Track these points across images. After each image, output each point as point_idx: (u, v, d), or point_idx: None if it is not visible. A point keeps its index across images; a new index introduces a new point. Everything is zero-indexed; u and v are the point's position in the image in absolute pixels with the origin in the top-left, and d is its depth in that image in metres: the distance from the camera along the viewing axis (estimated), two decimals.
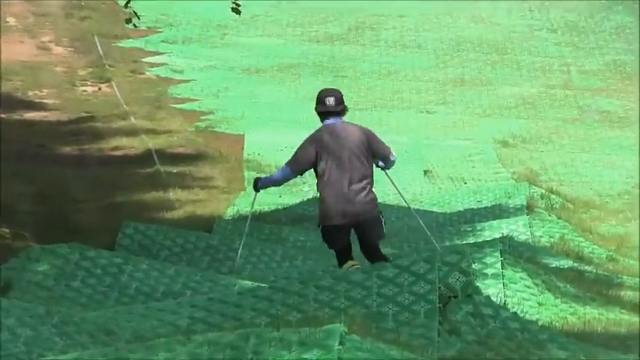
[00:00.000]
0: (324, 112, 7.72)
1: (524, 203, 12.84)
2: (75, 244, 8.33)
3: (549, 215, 12.42)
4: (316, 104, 7.79)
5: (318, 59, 25.66)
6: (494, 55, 26.58)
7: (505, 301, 7.36)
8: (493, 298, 6.68)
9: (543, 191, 14.25)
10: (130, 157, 16.46)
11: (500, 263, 7.86)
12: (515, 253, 9.18)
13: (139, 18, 11.63)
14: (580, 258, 10.79)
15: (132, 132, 18.13)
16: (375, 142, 7.69)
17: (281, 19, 28.32)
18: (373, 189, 7.68)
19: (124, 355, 4.76)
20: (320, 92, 7.83)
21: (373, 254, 7.69)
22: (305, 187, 14.18)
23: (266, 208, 13.06)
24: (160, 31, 26.66)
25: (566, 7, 29.86)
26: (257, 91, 23.12)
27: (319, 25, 28.06)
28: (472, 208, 13.35)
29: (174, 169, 15.68)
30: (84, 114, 19.66)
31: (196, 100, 22.02)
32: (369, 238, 7.70)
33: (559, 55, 26.86)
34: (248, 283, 8.04)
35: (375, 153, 7.70)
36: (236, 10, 11.87)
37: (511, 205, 12.96)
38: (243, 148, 18.29)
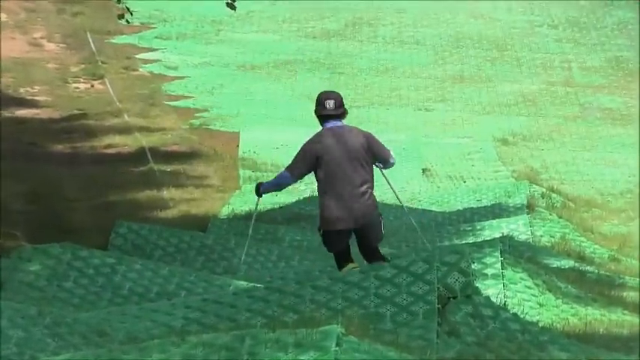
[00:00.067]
0: (323, 115, 7.71)
1: (525, 202, 12.84)
2: (67, 244, 8.29)
3: (550, 214, 12.39)
4: (315, 107, 7.79)
5: (314, 56, 25.60)
6: (494, 51, 26.52)
7: (505, 301, 7.34)
8: (493, 299, 6.65)
9: (544, 190, 14.23)
10: (124, 156, 16.40)
11: (500, 263, 7.84)
12: (516, 252, 9.16)
13: (131, 14, 11.57)
14: (581, 258, 10.77)
15: (125, 130, 18.07)
16: (375, 146, 7.71)
17: (277, 14, 28.26)
18: (373, 192, 7.70)
19: (117, 357, 4.75)
20: (319, 95, 7.82)
21: (372, 255, 7.71)
22: (301, 186, 14.07)
23: (262, 207, 12.95)
24: (154, 27, 26.59)
25: (567, 3, 29.81)
26: (252, 88, 23.06)
27: (316, 21, 28.00)
28: (471, 207, 13.34)
29: (168, 168, 15.62)
30: (76, 111, 19.59)
31: (191, 97, 21.96)
32: (368, 240, 7.74)
33: (560, 52, 26.80)
34: (243, 284, 8.00)
35: (375, 156, 7.73)
36: (231, 6, 11.81)
37: (511, 204, 12.96)
38: (238, 146, 18.24)
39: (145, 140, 17.30)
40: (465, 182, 17.19)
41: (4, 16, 25.37)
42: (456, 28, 27.96)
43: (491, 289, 7.44)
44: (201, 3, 27.08)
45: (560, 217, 12.35)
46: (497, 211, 12.74)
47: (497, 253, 7.89)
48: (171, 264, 9.18)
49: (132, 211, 12.34)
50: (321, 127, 7.74)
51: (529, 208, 12.46)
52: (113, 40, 25.14)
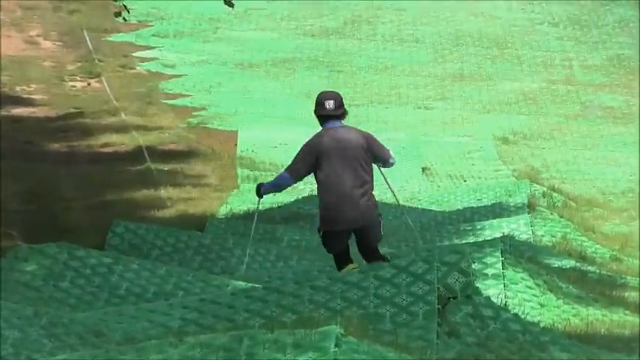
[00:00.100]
0: (323, 116, 7.69)
1: (526, 201, 12.83)
2: (64, 244, 8.27)
3: (551, 214, 12.38)
4: (315, 107, 7.76)
5: (313, 54, 25.57)
6: (495, 49, 26.49)
7: (506, 302, 7.34)
8: (493, 299, 6.65)
9: (545, 189, 14.22)
10: (120, 154, 16.37)
11: (500, 263, 7.84)
12: (516, 252, 9.15)
13: (128, 11, 11.54)
14: (583, 258, 10.75)
15: (122, 128, 18.04)
16: (374, 146, 7.69)
17: (275, 12, 28.23)
18: (373, 192, 7.70)
19: (114, 358, 4.75)
20: (319, 95, 7.80)
21: (372, 255, 7.70)
22: (300, 185, 14.00)
23: (260, 207, 12.88)
24: (151, 25, 26.55)
25: (567, 0, 29.75)
26: (250, 86, 23.03)
27: (314, 18, 27.96)
28: (472, 207, 13.34)
29: (166, 167, 15.59)
30: (73, 110, 19.56)
31: (188, 95, 21.92)
32: (368, 241, 7.74)
33: (561, 50, 26.75)
34: (241, 284, 7.98)
35: (375, 157, 7.72)
36: (229, 3, 11.78)
37: (512, 204, 12.95)
38: (236, 144, 18.22)
39: (142, 139, 17.27)
40: (465, 181, 17.16)
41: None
42: (456, 26, 27.92)
43: (491, 290, 7.43)
44: (198, 1, 27.05)
45: (561, 217, 12.34)
46: (498, 210, 12.74)
47: (498, 253, 7.88)
48: (168, 264, 9.16)
49: (129, 210, 12.32)
50: (320, 128, 7.71)
51: (530, 207, 12.45)
52: (110, 38, 25.09)
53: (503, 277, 7.71)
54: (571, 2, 29.70)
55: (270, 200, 13.45)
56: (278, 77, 23.84)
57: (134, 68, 23.45)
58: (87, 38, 24.64)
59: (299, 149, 7.68)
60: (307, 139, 7.69)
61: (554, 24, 28.36)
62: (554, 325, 7.22)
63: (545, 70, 25.36)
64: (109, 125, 18.40)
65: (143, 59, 24.07)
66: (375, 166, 7.87)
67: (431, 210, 13.44)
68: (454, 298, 6.23)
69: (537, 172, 17.86)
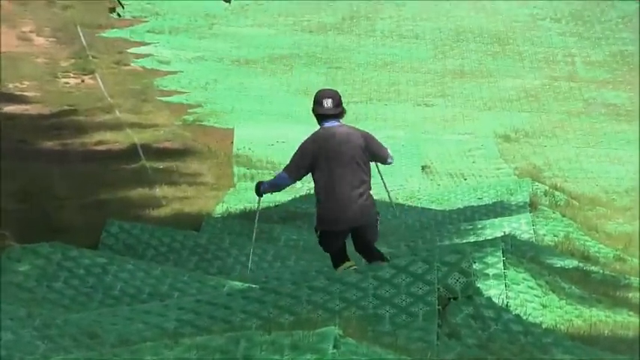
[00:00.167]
0: (321, 115, 7.65)
1: (527, 200, 12.81)
2: (57, 244, 8.23)
3: (553, 213, 12.35)
4: (313, 106, 7.73)
5: (310, 50, 25.51)
6: (496, 45, 26.42)
7: (507, 302, 7.31)
8: (495, 300, 6.62)
9: (547, 188, 14.22)
10: (115, 153, 16.32)
11: (502, 263, 7.81)
12: (518, 252, 9.13)
13: (123, 7, 11.46)
14: (585, 258, 10.73)
15: (116, 126, 18.01)
16: (373, 146, 7.68)
17: (272, 8, 28.18)
18: (371, 192, 7.72)
19: None
20: (317, 93, 7.74)
21: (370, 253, 7.71)
22: (297, 184, 13.91)
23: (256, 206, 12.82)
24: (146, 21, 26.49)
25: None
26: (247, 83, 22.98)
27: (312, 14, 27.90)
28: (472, 206, 13.34)
29: (161, 165, 15.56)
30: (66, 107, 19.51)
31: (184, 92, 21.87)
32: (365, 239, 7.74)
33: (563, 46, 26.68)
34: (238, 284, 7.96)
35: (374, 156, 7.72)
36: None
37: (513, 203, 12.95)
38: (232, 142, 18.18)
39: (136, 137, 17.23)
40: (465, 180, 17.15)
41: None
42: (457, 21, 27.86)
43: (493, 290, 7.40)
44: None
45: (563, 216, 12.31)
46: (499, 209, 12.72)
47: (499, 253, 7.86)
48: (163, 264, 9.13)
49: (123, 209, 12.34)
50: (318, 126, 7.66)
51: (532, 206, 12.42)
52: (104, 34, 25.01)
53: (505, 277, 7.67)
54: None
55: (268, 199, 13.36)
56: (275, 74, 23.78)
57: (129, 65, 23.38)
58: (81, 34, 24.56)
59: (297, 149, 7.64)
60: (305, 139, 7.65)
61: (557, 19, 28.29)
62: (556, 326, 7.19)
63: (547, 67, 25.29)
64: (103, 123, 18.35)
65: (138, 56, 24.00)
66: (372, 164, 7.85)
67: (431, 209, 13.44)
68: (455, 298, 6.18)
69: (539, 170, 17.83)
